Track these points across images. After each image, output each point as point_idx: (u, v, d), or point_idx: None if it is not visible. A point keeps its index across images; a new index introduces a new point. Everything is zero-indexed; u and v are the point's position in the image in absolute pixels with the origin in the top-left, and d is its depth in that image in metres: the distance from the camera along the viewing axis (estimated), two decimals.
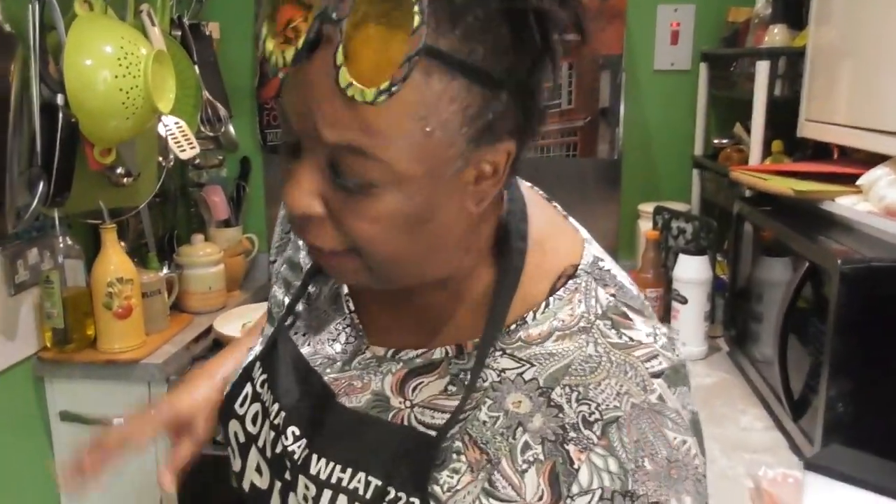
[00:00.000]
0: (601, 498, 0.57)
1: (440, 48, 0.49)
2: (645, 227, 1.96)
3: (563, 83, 2.00)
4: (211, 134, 1.96)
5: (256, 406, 0.72)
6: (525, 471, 0.59)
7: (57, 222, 1.61)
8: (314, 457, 0.66)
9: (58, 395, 1.67)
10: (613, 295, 0.62)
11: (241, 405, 0.74)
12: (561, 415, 0.58)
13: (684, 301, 1.57)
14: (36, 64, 1.38)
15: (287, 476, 0.67)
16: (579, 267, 0.63)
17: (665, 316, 1.76)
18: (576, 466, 0.57)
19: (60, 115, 1.41)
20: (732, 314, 1.58)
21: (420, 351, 0.65)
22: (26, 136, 1.40)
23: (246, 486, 0.72)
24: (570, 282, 0.62)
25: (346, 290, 0.71)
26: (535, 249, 0.63)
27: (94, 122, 1.48)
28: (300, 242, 0.78)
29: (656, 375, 0.58)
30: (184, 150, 1.77)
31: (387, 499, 0.61)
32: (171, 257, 1.96)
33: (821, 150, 1.59)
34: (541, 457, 0.58)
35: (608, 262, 0.65)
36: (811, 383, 1.17)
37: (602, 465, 0.57)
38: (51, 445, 1.69)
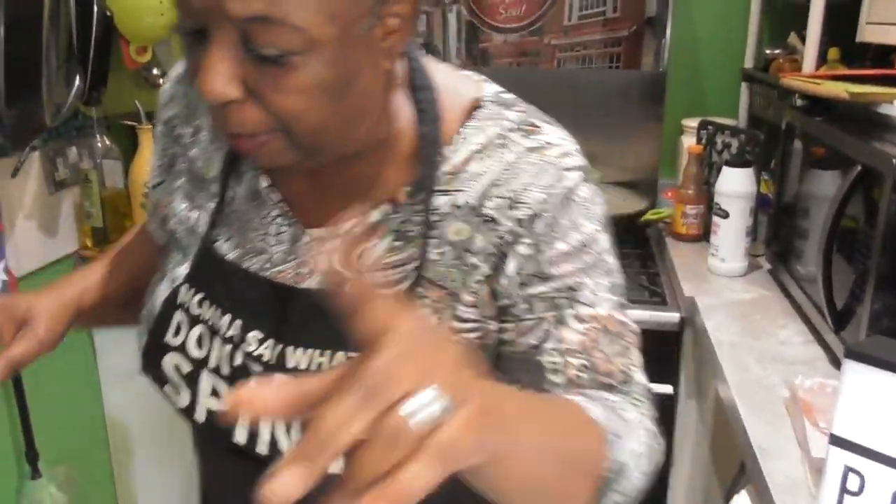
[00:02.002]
0: (520, 283, 0.63)
1: None
2: (688, 142, 1.89)
3: None
4: None
5: (199, 329, 0.69)
6: (478, 291, 0.64)
7: (95, 122, 1.62)
8: (289, 349, 0.65)
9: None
10: (522, 111, 0.67)
11: (176, 335, 0.70)
12: (496, 227, 0.63)
13: (725, 215, 1.53)
14: None
15: None
16: (483, 99, 0.67)
17: (704, 232, 1.72)
18: (504, 262, 0.63)
19: (95, 7, 1.40)
20: (776, 231, 1.53)
21: (357, 220, 0.66)
22: (63, 28, 1.39)
23: (201, 416, 0.68)
24: (478, 112, 0.66)
25: (264, 182, 0.69)
26: (441, 95, 0.65)
27: (130, 18, 1.47)
28: (191, 152, 0.74)
29: (571, 169, 0.64)
30: None
31: None
32: None
33: (880, 60, 1.51)
34: (488, 272, 0.64)
35: (511, 95, 0.69)
36: (856, 294, 1.13)
37: (523, 251, 0.63)
38: (92, 341, 1.74)
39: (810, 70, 1.52)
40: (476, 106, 0.66)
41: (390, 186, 0.65)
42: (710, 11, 1.95)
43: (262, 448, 0.64)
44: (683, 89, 2.00)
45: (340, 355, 0.63)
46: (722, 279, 1.56)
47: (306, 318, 0.66)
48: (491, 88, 0.68)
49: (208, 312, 0.69)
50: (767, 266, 1.59)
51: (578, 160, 0.65)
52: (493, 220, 0.63)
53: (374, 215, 0.65)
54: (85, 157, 1.64)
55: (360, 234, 0.66)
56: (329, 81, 0.54)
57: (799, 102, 1.51)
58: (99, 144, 1.63)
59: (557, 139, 0.66)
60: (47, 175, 1.55)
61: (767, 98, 1.77)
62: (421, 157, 0.64)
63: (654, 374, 1.53)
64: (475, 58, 2.00)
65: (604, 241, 0.65)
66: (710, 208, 1.70)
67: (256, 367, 0.66)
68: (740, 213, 1.52)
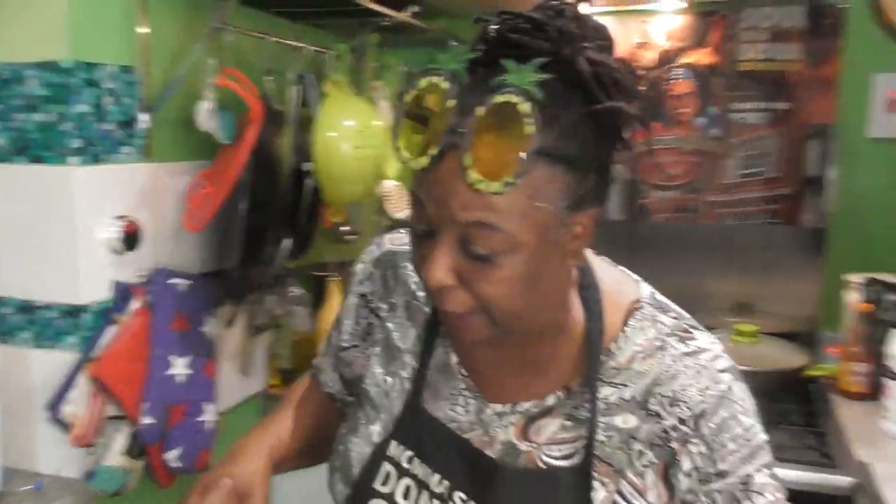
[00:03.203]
0: (699, 479, 0.71)
1: (545, 146, 0.63)
2: (853, 297, 1.87)
3: (769, 151, 1.98)
4: None
5: (406, 481, 0.78)
6: (643, 474, 0.72)
7: (290, 273, 1.80)
8: None
9: None
10: (675, 318, 0.76)
11: (384, 484, 0.79)
12: (661, 421, 0.72)
13: None
14: (293, 136, 1.57)
15: None
16: (641, 300, 0.77)
17: (872, 392, 1.67)
18: (678, 458, 0.71)
19: (306, 180, 1.59)
20: None
21: (534, 401, 0.76)
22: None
23: None
24: (638, 313, 0.76)
25: (454, 359, 0.80)
26: (605, 294, 0.76)
27: (333, 186, 1.66)
28: (388, 325, 0.86)
29: (723, 371, 0.73)
30: (399, 211, 1.92)
31: None
32: None
33: None
34: (654, 459, 0.72)
35: (663, 297, 0.79)
36: None
37: (696, 450, 0.71)
38: None
39: None
40: (636, 308, 0.76)
41: (563, 374, 0.76)
42: (874, 171, 1.96)
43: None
44: (847, 245, 1.98)
45: None
46: (894, 444, 1.50)
47: (509, 492, 0.74)
48: (647, 290, 0.79)
49: (418, 469, 0.78)
50: None
51: (728, 362, 0.74)
52: (657, 414, 0.72)
53: (550, 399, 0.76)
54: (278, 304, 1.82)
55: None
56: (526, 276, 0.67)
57: None
58: (292, 293, 1.81)
59: (709, 344, 0.75)
60: (248, 321, 1.73)
61: None
62: (588, 351, 0.74)
63: None
64: (636, 213, 2.08)
65: (760, 431, 0.73)
66: (879, 367, 1.66)
67: None
68: None
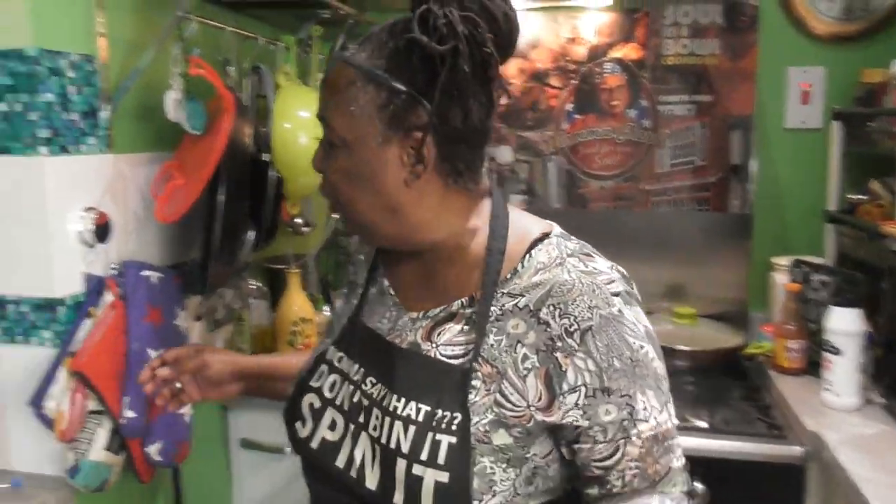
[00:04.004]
0: (586, 395, 0.79)
1: (358, 63, 0.83)
2: (780, 279, 2.03)
3: (696, 141, 2.12)
4: None
5: (334, 377, 0.93)
6: (526, 376, 0.81)
7: (248, 267, 1.79)
8: (387, 393, 0.86)
9: (240, 423, 1.82)
10: (579, 244, 0.87)
11: (317, 380, 0.94)
12: (549, 329, 0.80)
13: (837, 352, 1.63)
14: (252, 127, 1.57)
15: (362, 417, 0.88)
16: (552, 234, 0.88)
17: (810, 367, 1.82)
18: (563, 369, 0.79)
19: (270, 171, 1.60)
20: (886, 366, 1.63)
21: (442, 307, 0.87)
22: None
23: (315, 444, 0.91)
24: (546, 240, 0.87)
25: (386, 282, 0.95)
26: (515, 226, 0.88)
27: (291, 178, 1.66)
28: (352, 267, 1.08)
29: (615, 294, 0.81)
30: None
31: (435, 419, 0.81)
32: (331, 299, 2.13)
33: None
34: (537, 364, 0.80)
35: (574, 238, 0.89)
36: None
37: (583, 366, 0.79)
38: (229, 470, 1.84)
39: None
40: (544, 237, 0.87)
41: (469, 287, 0.87)
42: (790, 159, 2.14)
43: (353, 473, 0.86)
44: (769, 229, 2.15)
45: (412, 404, 0.84)
46: (839, 413, 1.63)
47: (401, 372, 0.86)
48: (559, 229, 0.90)
49: (345, 364, 0.93)
50: (881, 400, 1.67)
51: (621, 287, 0.82)
52: (546, 323, 0.81)
53: (454, 306, 0.87)
54: (237, 297, 1.81)
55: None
56: (354, 171, 0.84)
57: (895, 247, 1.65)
58: (251, 286, 1.80)
59: (606, 269, 0.84)
60: (208, 316, 1.71)
61: (857, 239, 1.91)
62: (487, 265, 0.85)
63: None
64: (574, 202, 2.19)
65: (651, 353, 0.81)
66: (812, 342, 1.82)
67: (366, 402, 0.88)
68: (853, 350, 1.62)
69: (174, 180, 1.37)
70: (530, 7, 2.14)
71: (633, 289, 0.86)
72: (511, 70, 2.18)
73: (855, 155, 2.02)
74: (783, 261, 2.05)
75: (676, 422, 0.84)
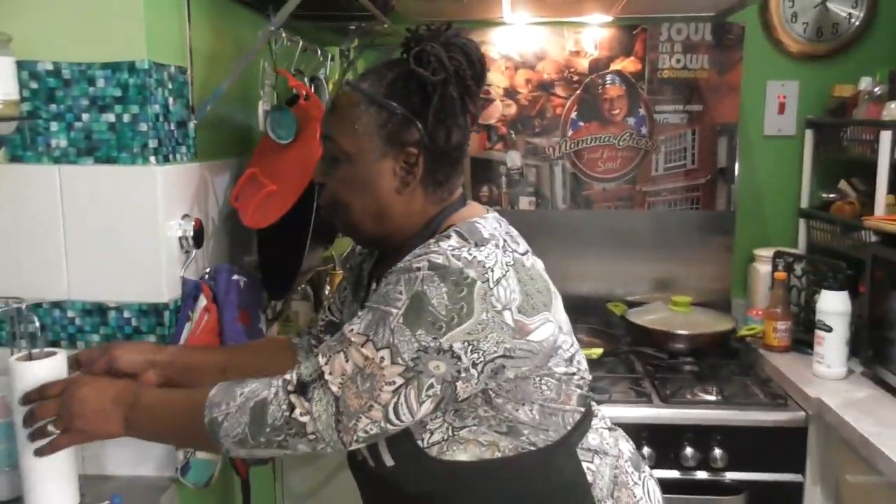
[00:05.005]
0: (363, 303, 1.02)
1: (364, 88, 1.03)
2: (762, 269, 2.27)
3: (688, 147, 2.33)
4: None
5: None
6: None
7: None
8: None
9: None
10: (456, 228, 1.02)
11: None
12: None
13: (829, 329, 1.87)
14: None
15: None
16: (453, 227, 1.03)
17: (795, 345, 2.07)
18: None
19: None
20: (869, 339, 1.88)
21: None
22: None
23: None
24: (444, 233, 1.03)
25: (374, 286, 1.12)
26: (443, 226, 1.06)
27: None
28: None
29: (430, 261, 0.95)
30: None
31: None
32: None
33: None
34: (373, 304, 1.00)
35: (485, 226, 1.04)
36: None
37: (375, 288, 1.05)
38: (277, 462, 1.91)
39: (881, 213, 1.93)
40: (444, 231, 1.03)
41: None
42: (768, 163, 2.38)
43: (370, 461, 1.07)
44: (749, 224, 2.40)
45: None
46: (829, 382, 1.88)
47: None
48: (467, 223, 1.04)
49: None
50: (860, 368, 1.93)
51: (440, 261, 0.95)
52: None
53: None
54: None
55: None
56: (354, 179, 1.03)
57: (873, 238, 1.91)
58: (299, 288, 1.87)
59: (446, 246, 0.97)
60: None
61: (830, 232, 2.17)
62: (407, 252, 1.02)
63: (784, 465, 1.82)
64: (579, 203, 2.36)
65: (398, 303, 0.94)
66: (797, 323, 2.06)
67: None
68: (842, 327, 1.87)
69: (265, 187, 1.44)
70: (538, 21, 2.30)
71: (478, 276, 0.95)
72: (519, 80, 2.33)
73: (826, 159, 2.29)
74: (763, 252, 2.29)
75: (363, 354, 0.95)
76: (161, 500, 1.26)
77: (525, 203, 2.36)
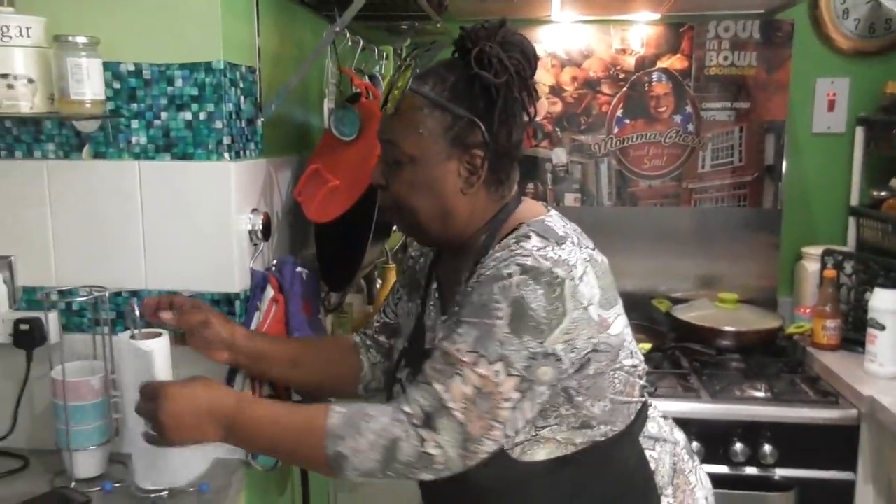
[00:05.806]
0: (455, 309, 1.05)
1: (426, 92, 1.03)
2: (810, 266, 2.27)
3: (735, 144, 2.34)
4: None
5: (408, 370, 1.17)
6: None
7: None
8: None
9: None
10: (531, 227, 1.03)
11: (400, 372, 1.19)
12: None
13: (882, 328, 1.87)
14: None
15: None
16: (524, 224, 1.05)
17: (844, 344, 2.07)
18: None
19: None
20: None
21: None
22: None
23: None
24: (515, 232, 1.04)
25: (435, 284, 1.19)
26: (513, 220, 1.08)
27: None
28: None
29: (519, 265, 0.97)
30: None
31: None
32: None
33: None
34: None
35: (556, 222, 1.06)
36: None
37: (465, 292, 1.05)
38: None
39: None
40: (516, 229, 1.04)
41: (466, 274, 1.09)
42: (816, 161, 2.38)
43: None
44: (797, 222, 2.39)
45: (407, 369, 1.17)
46: (882, 380, 1.87)
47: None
48: (539, 220, 1.06)
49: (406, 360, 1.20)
50: None
51: (530, 263, 0.96)
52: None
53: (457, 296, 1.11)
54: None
55: None
56: (419, 182, 1.05)
57: None
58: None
59: (530, 246, 0.99)
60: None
61: (881, 231, 2.16)
62: (482, 255, 1.05)
63: (835, 462, 1.82)
64: (624, 200, 2.38)
65: (499, 312, 0.96)
66: (846, 321, 2.06)
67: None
68: (894, 325, 1.87)
69: (328, 182, 1.48)
70: (584, 19, 2.32)
71: (566, 274, 0.97)
72: (565, 78, 2.35)
73: (878, 156, 2.28)
74: (812, 250, 2.29)
75: (482, 373, 0.96)
76: (232, 481, 1.31)
77: (570, 200, 2.39)
